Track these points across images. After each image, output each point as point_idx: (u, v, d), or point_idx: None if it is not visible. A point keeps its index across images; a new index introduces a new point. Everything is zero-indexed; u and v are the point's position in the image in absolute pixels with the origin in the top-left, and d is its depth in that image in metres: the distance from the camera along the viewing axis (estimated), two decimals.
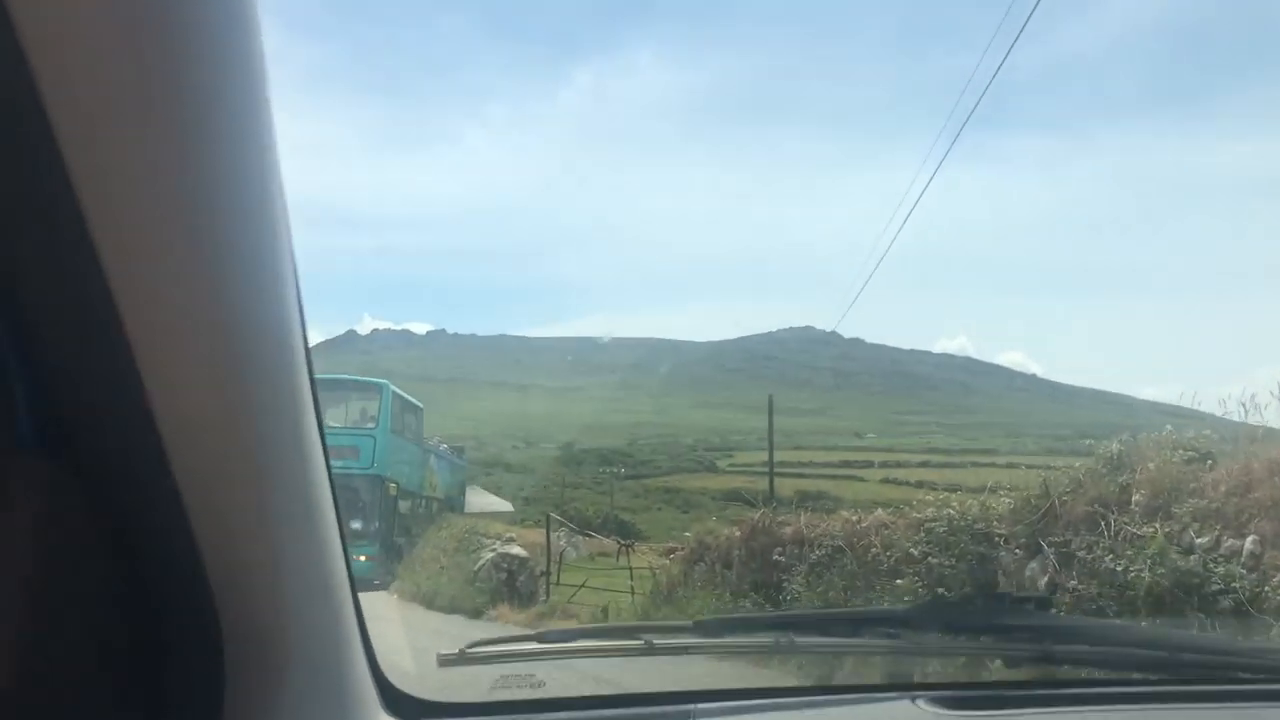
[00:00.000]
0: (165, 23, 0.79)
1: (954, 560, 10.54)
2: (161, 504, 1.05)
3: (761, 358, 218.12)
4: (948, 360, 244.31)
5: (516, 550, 20.79)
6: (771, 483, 35.14)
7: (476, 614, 19.07)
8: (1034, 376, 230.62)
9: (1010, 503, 10.34)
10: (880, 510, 13.28)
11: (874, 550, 11.90)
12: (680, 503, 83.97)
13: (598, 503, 71.64)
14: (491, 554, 20.69)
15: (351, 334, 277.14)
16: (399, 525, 30.88)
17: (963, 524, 10.65)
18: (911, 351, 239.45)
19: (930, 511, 11.32)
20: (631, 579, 19.77)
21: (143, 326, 0.91)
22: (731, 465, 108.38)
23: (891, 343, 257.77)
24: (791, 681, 2.30)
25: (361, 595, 1.58)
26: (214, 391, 0.99)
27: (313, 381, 1.18)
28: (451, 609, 20.11)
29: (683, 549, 16.46)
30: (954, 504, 11.21)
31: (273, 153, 0.96)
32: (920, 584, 10.68)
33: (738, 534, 14.49)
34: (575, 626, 2.34)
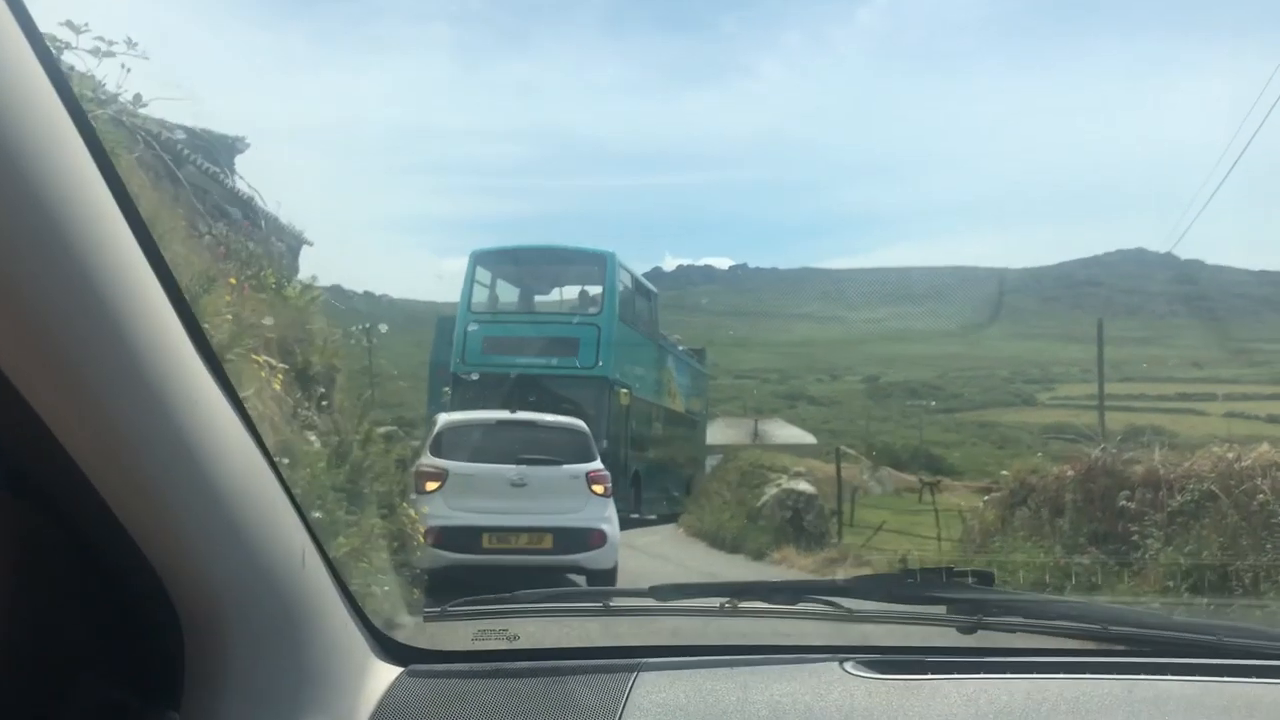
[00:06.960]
0: None
1: None
2: (95, 517, 1.15)
3: (1084, 283, 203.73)
4: None
5: (803, 486, 18.80)
6: (1101, 415, 31.14)
7: (759, 555, 17.52)
8: None
9: None
10: (1266, 445, 10.34)
11: (1261, 496, 9.31)
12: (996, 437, 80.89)
13: (906, 436, 69.24)
14: (775, 489, 18.79)
15: (657, 270, 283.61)
16: (634, 444, 23.12)
17: None
18: (1262, 273, 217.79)
19: None
20: (938, 523, 17.42)
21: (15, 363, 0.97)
22: (1052, 399, 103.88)
23: (1237, 264, 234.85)
24: (732, 642, 2.08)
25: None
26: (92, 402, 1.04)
27: (206, 348, 1.21)
28: (734, 549, 18.99)
29: (999, 489, 13.84)
30: None
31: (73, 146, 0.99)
32: None
33: (1070, 473, 11.82)
34: (545, 589, 2.26)
